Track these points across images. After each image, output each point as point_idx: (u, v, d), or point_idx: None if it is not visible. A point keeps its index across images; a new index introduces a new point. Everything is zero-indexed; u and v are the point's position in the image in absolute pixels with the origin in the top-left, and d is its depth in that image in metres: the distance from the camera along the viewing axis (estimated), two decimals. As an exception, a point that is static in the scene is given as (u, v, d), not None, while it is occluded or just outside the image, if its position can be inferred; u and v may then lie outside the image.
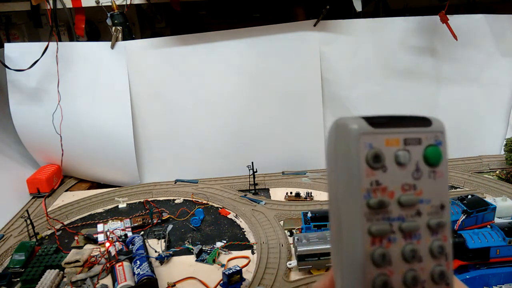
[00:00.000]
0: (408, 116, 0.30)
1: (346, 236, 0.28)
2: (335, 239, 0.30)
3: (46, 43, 1.49)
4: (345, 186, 0.28)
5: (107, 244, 1.22)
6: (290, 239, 1.22)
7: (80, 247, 1.26)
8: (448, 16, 1.46)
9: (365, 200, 0.28)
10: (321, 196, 1.49)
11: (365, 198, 0.28)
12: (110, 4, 1.52)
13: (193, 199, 1.52)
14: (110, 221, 1.36)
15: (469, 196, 1.19)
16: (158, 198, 1.56)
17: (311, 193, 1.48)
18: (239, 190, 1.55)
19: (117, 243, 1.22)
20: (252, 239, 1.27)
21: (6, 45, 1.56)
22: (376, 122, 0.29)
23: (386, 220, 0.28)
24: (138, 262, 1.10)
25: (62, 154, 1.63)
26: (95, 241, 1.28)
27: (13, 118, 1.62)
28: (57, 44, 1.51)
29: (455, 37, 1.50)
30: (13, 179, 1.57)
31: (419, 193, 0.29)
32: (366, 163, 0.28)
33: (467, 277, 1.01)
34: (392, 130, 0.29)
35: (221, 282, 1.07)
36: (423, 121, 0.30)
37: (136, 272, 1.06)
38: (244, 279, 1.07)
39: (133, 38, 1.57)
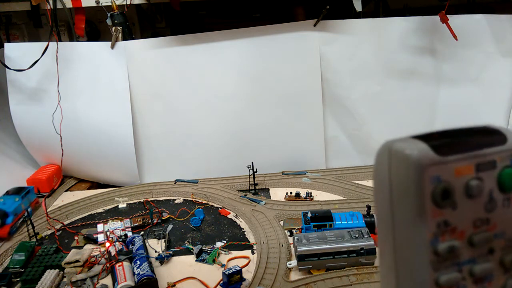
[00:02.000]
0: (475, 129, 0.24)
1: None
2: None
3: (46, 43, 1.49)
4: (404, 230, 0.23)
5: (107, 244, 1.22)
6: (290, 239, 1.22)
7: (80, 247, 1.26)
8: (448, 16, 1.46)
9: (432, 247, 0.22)
10: (321, 196, 1.49)
11: (432, 244, 0.22)
12: (110, 4, 1.52)
13: (193, 199, 1.52)
14: (110, 221, 1.36)
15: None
16: (158, 198, 1.56)
17: (311, 193, 1.48)
18: (239, 190, 1.55)
19: (117, 243, 1.22)
20: (252, 239, 1.27)
21: (6, 45, 1.56)
22: (442, 145, 0.22)
23: (455, 266, 0.23)
24: (138, 262, 1.10)
25: (62, 154, 1.64)
26: (95, 241, 1.28)
27: (13, 118, 1.62)
28: (57, 44, 1.51)
29: (455, 37, 1.50)
30: (13, 179, 1.57)
31: (492, 228, 0.23)
32: (432, 201, 0.22)
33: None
34: (463, 156, 0.22)
35: (221, 282, 1.07)
36: (495, 136, 0.23)
37: (136, 272, 1.06)
38: (244, 279, 1.07)
39: (133, 38, 1.57)
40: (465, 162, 0.22)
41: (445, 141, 0.23)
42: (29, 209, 1.41)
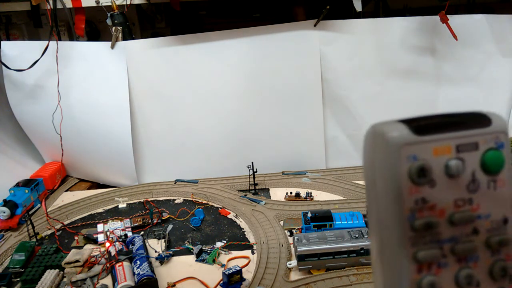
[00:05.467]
0: (460, 113, 0.24)
1: (388, 263, 0.24)
2: (377, 265, 0.25)
3: (44, 41, 1.49)
4: (385, 206, 0.24)
5: (107, 244, 1.22)
6: (290, 239, 1.22)
7: (80, 247, 1.26)
8: (448, 16, 1.46)
9: (408, 222, 0.23)
10: (321, 196, 1.49)
11: (409, 220, 0.23)
12: (110, 4, 1.52)
13: (193, 199, 1.52)
14: (110, 221, 1.36)
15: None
16: (158, 198, 1.56)
17: (311, 193, 1.48)
18: (239, 190, 1.55)
19: (117, 243, 1.22)
20: (252, 239, 1.27)
21: (3, 43, 1.56)
22: (421, 126, 0.23)
23: (435, 243, 0.24)
24: (138, 262, 1.10)
25: (62, 154, 1.64)
26: (95, 241, 1.28)
27: (16, 115, 1.64)
28: (57, 43, 1.51)
29: (455, 37, 1.50)
30: (17, 176, 1.57)
31: (476, 208, 0.24)
32: (409, 178, 0.23)
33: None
34: (441, 136, 0.23)
35: (221, 282, 1.07)
36: (479, 120, 0.25)
37: (136, 272, 1.06)
38: (244, 279, 1.07)
39: (133, 38, 1.57)
40: (444, 142, 0.23)
41: (425, 123, 0.24)
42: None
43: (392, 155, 0.23)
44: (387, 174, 0.23)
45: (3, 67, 1.52)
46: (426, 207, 0.23)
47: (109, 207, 1.51)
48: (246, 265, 1.15)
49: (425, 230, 0.23)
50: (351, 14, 1.64)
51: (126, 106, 1.56)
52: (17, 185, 1.49)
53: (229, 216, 1.41)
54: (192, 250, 1.21)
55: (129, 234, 1.30)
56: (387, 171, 0.23)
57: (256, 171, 1.52)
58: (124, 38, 1.54)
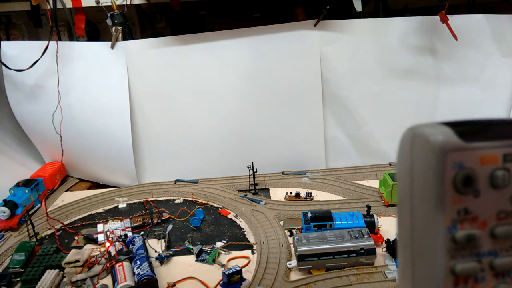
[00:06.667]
0: (506, 120, 0.23)
1: (421, 275, 0.23)
2: (405, 276, 0.24)
3: (44, 41, 1.49)
4: (423, 215, 0.22)
5: (107, 244, 1.22)
6: (290, 239, 1.22)
7: (80, 247, 1.26)
8: (448, 16, 1.46)
9: (450, 234, 0.22)
10: (321, 196, 1.49)
11: (450, 231, 0.22)
12: (110, 4, 1.52)
13: (193, 199, 1.52)
14: (110, 221, 1.36)
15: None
16: (158, 198, 1.56)
17: (311, 193, 1.48)
18: (239, 190, 1.55)
19: (117, 243, 1.22)
20: (252, 239, 1.27)
21: (3, 43, 1.56)
22: (468, 131, 0.22)
23: (474, 256, 0.23)
24: (138, 262, 1.10)
25: (62, 154, 1.64)
26: (95, 241, 1.28)
27: (16, 115, 1.64)
28: (57, 43, 1.51)
29: (455, 37, 1.50)
30: (15, 177, 1.57)
31: None
32: (453, 187, 0.22)
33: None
34: (489, 144, 0.22)
35: (221, 282, 1.07)
36: None
37: (136, 272, 1.07)
38: (244, 279, 1.07)
39: (133, 38, 1.57)
40: (491, 150, 0.22)
41: (472, 128, 0.22)
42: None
43: (436, 161, 0.22)
44: (429, 181, 0.22)
45: (3, 67, 1.53)
46: (468, 218, 0.22)
47: (109, 207, 1.51)
48: (246, 265, 1.15)
49: (466, 242, 0.22)
50: (351, 14, 1.64)
51: (126, 106, 1.56)
52: (17, 185, 1.49)
53: (229, 216, 1.41)
54: (192, 250, 1.21)
55: (129, 234, 1.30)
56: (429, 178, 0.22)
57: (256, 171, 1.52)
58: (124, 38, 1.54)
